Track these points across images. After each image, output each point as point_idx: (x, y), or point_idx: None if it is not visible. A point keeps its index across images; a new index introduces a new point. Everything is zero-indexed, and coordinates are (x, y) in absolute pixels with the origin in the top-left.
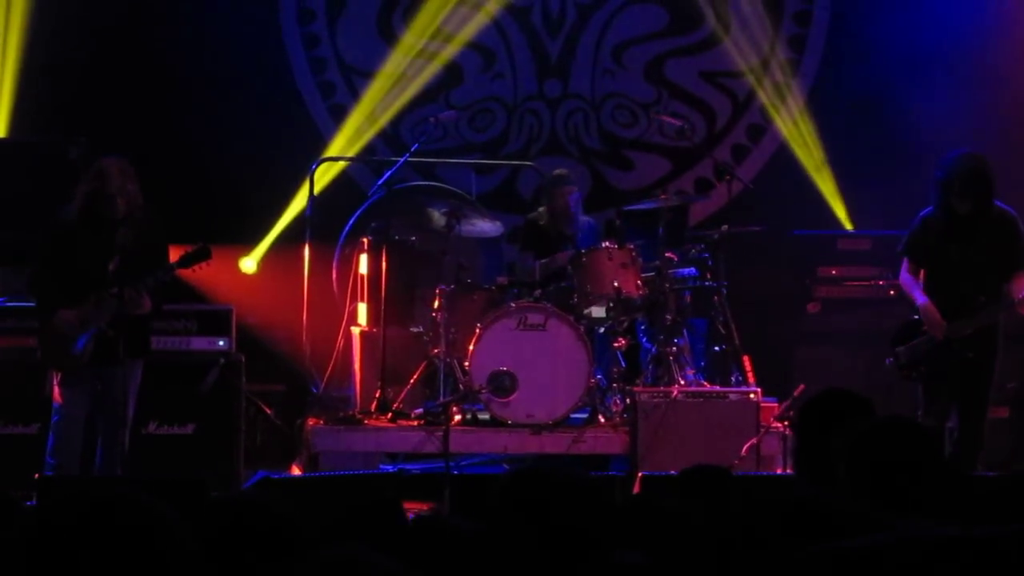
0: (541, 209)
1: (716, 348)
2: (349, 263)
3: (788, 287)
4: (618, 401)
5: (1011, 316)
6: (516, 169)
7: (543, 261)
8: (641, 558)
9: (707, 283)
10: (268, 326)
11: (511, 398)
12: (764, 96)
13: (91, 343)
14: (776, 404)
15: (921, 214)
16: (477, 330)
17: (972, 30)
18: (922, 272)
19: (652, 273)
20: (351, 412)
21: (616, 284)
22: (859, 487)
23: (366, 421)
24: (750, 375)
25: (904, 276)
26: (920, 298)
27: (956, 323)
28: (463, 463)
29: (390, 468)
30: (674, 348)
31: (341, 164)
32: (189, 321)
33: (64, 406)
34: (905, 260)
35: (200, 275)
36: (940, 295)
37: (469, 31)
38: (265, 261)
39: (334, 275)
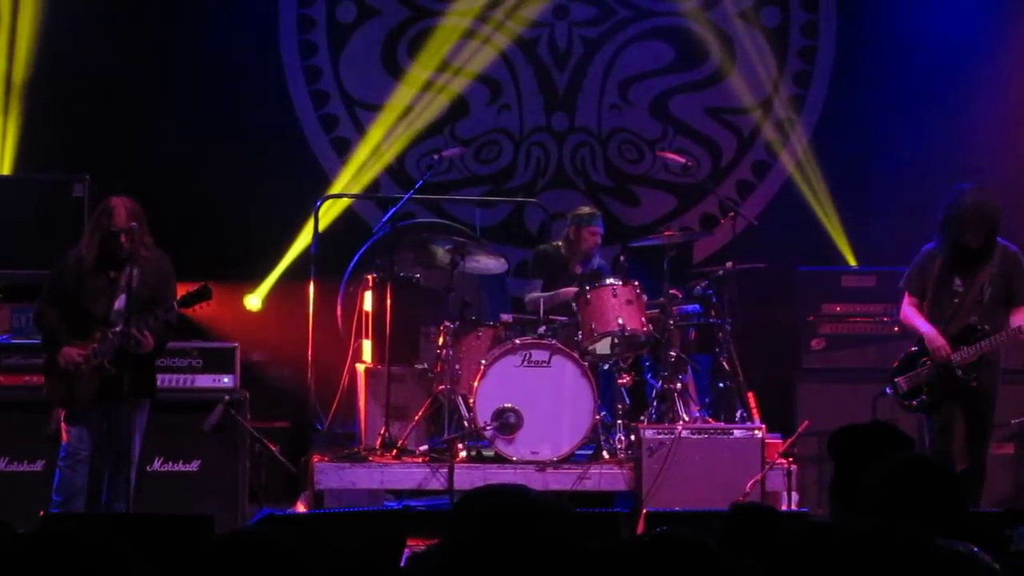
0: (557, 243)
1: (720, 384)
2: (354, 300)
3: (792, 324)
4: (623, 437)
5: (1014, 345)
6: (522, 203)
7: (546, 295)
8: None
9: (711, 320)
10: (273, 363)
11: (516, 435)
12: (769, 132)
13: (95, 380)
14: (781, 440)
15: (924, 248)
16: (482, 367)
17: (978, 67)
18: (925, 306)
19: (656, 310)
20: (356, 449)
21: (621, 321)
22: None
23: (371, 458)
24: (755, 411)
25: (906, 309)
26: (924, 326)
27: (960, 351)
28: None
29: (395, 505)
30: (678, 384)
31: (346, 200)
32: (194, 359)
33: (69, 443)
34: (906, 295)
35: (205, 313)
36: (943, 326)
37: (475, 63)
38: (270, 298)
39: (339, 312)
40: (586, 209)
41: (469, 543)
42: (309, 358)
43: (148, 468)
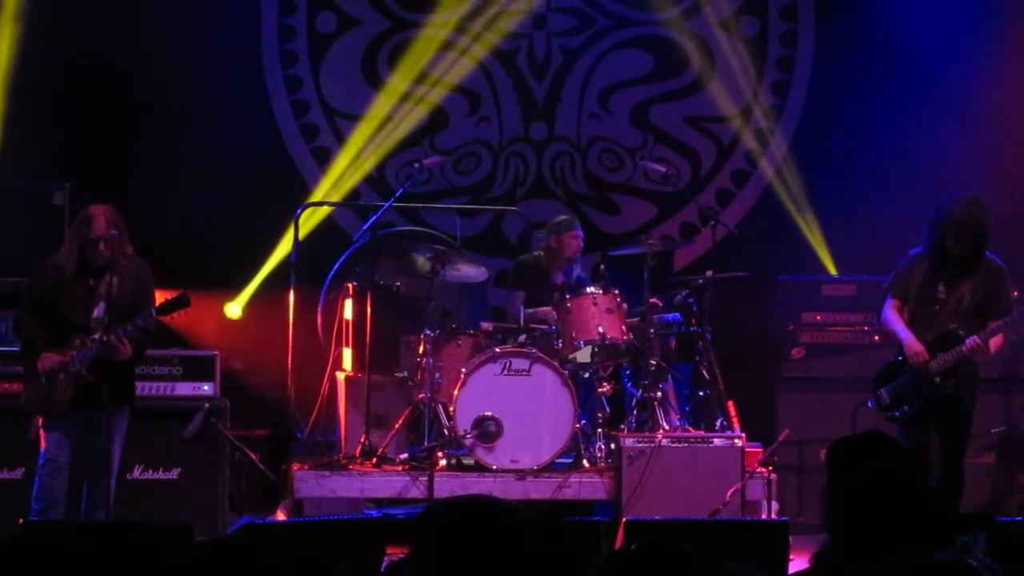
0: (537, 253)
1: (701, 393)
2: (334, 308)
3: (773, 333)
4: (603, 446)
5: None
6: (501, 212)
7: (528, 311)
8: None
9: (692, 328)
10: (253, 371)
11: (496, 443)
12: (749, 141)
13: (72, 387)
14: (761, 449)
15: (910, 253)
16: (462, 375)
17: (959, 75)
18: (907, 310)
19: (637, 318)
20: (336, 457)
21: (601, 329)
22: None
23: (351, 466)
24: (735, 420)
25: (887, 312)
26: (903, 332)
27: (938, 357)
28: None
29: (375, 513)
30: (659, 393)
31: (326, 208)
32: (174, 366)
33: (48, 451)
34: (889, 297)
35: (185, 320)
36: (924, 331)
37: (454, 74)
38: (250, 306)
39: (319, 320)
40: (563, 216)
41: (432, 555)
42: (289, 366)
43: (128, 476)
